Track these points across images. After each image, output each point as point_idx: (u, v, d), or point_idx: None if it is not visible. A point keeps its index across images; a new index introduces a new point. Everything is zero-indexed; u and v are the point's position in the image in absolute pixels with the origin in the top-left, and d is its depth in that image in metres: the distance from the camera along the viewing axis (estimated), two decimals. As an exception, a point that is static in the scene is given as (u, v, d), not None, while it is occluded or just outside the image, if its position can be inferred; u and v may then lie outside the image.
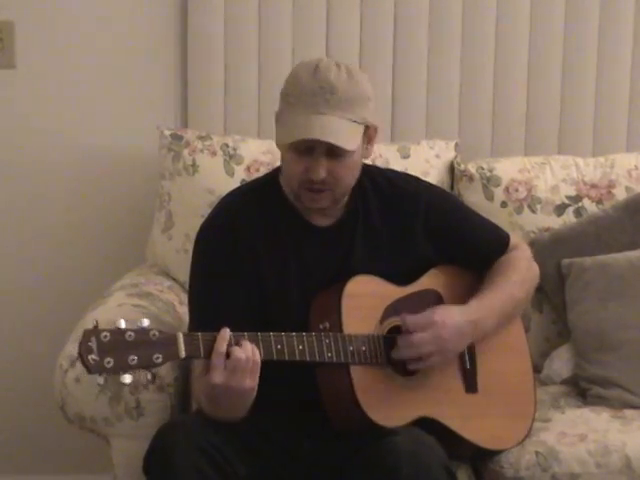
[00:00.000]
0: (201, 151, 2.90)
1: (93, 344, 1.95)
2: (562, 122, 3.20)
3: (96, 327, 1.98)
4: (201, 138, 2.92)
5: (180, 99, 3.18)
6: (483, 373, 2.32)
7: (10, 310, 3.22)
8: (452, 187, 2.95)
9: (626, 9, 3.18)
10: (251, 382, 2.06)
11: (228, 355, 2.04)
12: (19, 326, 3.22)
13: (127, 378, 1.98)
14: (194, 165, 2.89)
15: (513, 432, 2.35)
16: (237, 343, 2.05)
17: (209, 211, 2.38)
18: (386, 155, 2.92)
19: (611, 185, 2.91)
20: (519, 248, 2.48)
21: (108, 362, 1.95)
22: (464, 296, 2.33)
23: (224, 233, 2.27)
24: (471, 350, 2.32)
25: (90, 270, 3.17)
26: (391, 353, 2.21)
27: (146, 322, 2.02)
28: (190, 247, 2.36)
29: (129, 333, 1.98)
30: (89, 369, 1.96)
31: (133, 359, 1.97)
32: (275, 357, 2.10)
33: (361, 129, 2.20)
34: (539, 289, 2.85)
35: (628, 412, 2.55)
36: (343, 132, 2.15)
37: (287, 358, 2.11)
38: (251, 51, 3.14)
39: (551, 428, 2.44)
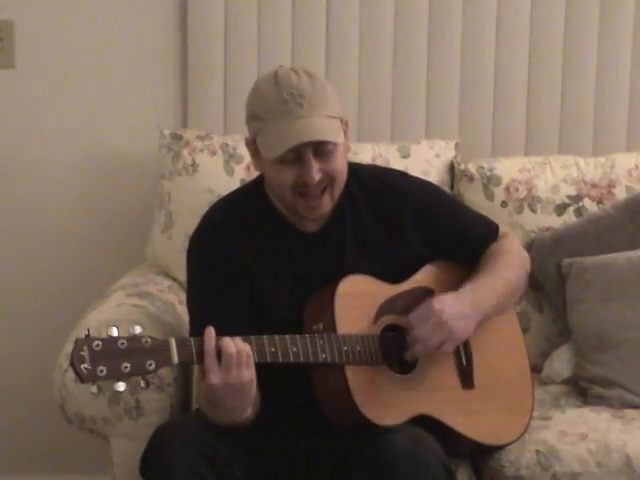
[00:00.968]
0: (201, 151, 2.90)
1: (85, 353, 1.95)
2: (562, 122, 3.20)
3: (88, 336, 1.98)
4: (201, 138, 2.92)
5: (180, 99, 3.18)
6: (479, 369, 2.32)
7: (10, 310, 3.22)
8: (452, 187, 2.95)
9: (626, 9, 3.17)
10: (248, 374, 2.05)
11: (220, 356, 2.04)
12: (19, 326, 3.22)
13: (121, 386, 1.97)
14: (194, 165, 2.89)
15: (511, 427, 2.35)
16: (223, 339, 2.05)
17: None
18: (386, 155, 2.92)
19: (611, 185, 2.91)
20: (508, 237, 2.49)
21: (101, 371, 1.95)
22: None
23: (213, 243, 2.27)
24: (467, 346, 2.32)
25: (90, 270, 3.17)
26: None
27: (138, 329, 2.01)
28: (190, 247, 2.36)
29: (121, 341, 1.98)
30: (82, 378, 1.95)
31: (126, 367, 1.97)
32: (269, 359, 2.09)
33: (339, 123, 2.20)
34: (539, 289, 2.86)
35: (628, 412, 2.55)
36: (327, 128, 2.15)
37: (281, 360, 2.11)
38: (251, 51, 3.14)
39: (551, 427, 2.44)
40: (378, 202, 2.34)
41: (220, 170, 2.88)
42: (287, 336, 2.13)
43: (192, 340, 2.06)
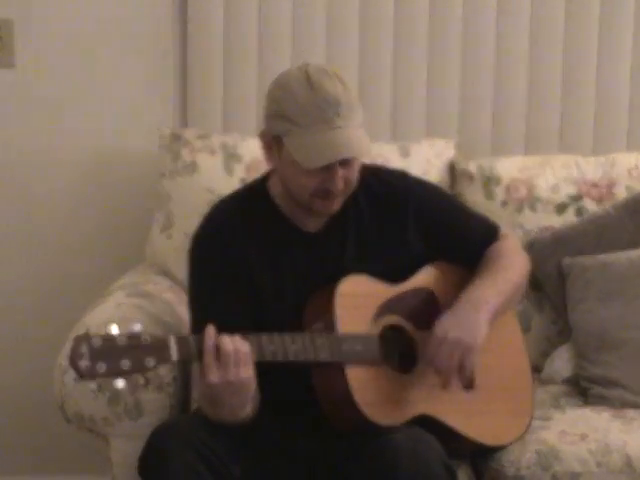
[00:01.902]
0: (200, 150, 2.90)
1: (84, 350, 1.95)
2: (562, 121, 3.19)
3: (87, 333, 1.98)
4: (200, 137, 2.92)
5: (180, 99, 3.18)
6: (480, 370, 2.31)
7: (9, 310, 3.22)
8: (452, 186, 2.94)
9: (626, 9, 3.17)
10: (247, 372, 2.05)
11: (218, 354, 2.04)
12: (19, 325, 3.22)
13: (120, 383, 1.97)
14: (194, 164, 2.89)
15: (512, 428, 2.35)
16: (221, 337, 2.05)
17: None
18: (386, 154, 2.92)
19: (612, 184, 2.91)
20: (508, 238, 2.49)
21: (100, 367, 1.95)
22: (457, 293, 2.32)
23: (215, 242, 2.27)
24: None
25: (90, 270, 3.16)
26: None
27: (138, 326, 2.02)
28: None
29: (121, 338, 1.98)
30: (81, 375, 1.95)
31: (125, 364, 1.97)
32: (269, 358, 2.09)
33: (364, 131, 2.21)
34: (539, 289, 2.85)
35: (629, 412, 2.54)
36: (362, 141, 2.17)
37: (281, 359, 2.11)
38: (251, 51, 3.13)
39: (552, 427, 2.43)
40: (379, 202, 2.34)
41: (220, 170, 2.88)
42: (287, 334, 2.13)
43: (191, 338, 2.06)
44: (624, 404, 2.58)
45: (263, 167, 2.81)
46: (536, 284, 2.83)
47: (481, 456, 2.36)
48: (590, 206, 2.89)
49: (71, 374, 2.30)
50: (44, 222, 3.20)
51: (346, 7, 3.13)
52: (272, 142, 2.22)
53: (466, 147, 3.07)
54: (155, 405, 2.34)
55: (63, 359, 2.34)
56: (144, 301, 2.59)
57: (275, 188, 2.31)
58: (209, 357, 2.03)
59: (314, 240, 2.30)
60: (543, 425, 2.44)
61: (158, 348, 2.01)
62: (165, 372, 2.33)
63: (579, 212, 2.89)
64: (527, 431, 2.37)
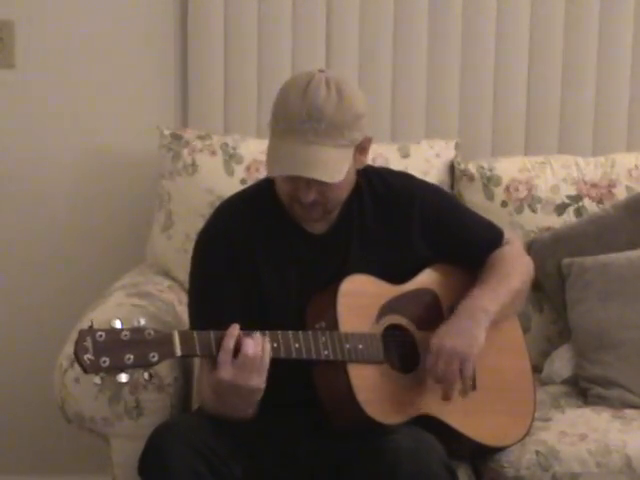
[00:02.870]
0: (201, 151, 2.90)
1: (89, 344, 1.96)
2: (562, 121, 3.19)
3: (91, 327, 1.98)
4: (201, 138, 2.92)
5: (180, 99, 3.18)
6: (481, 370, 2.31)
7: (9, 310, 3.22)
8: (452, 187, 2.95)
9: (626, 9, 3.17)
10: (258, 380, 2.06)
11: (237, 353, 2.05)
12: (19, 326, 3.22)
13: (123, 377, 1.98)
14: (194, 165, 2.89)
15: (513, 429, 2.35)
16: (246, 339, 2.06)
17: (209, 211, 2.39)
18: (386, 155, 2.92)
19: (611, 184, 2.91)
20: (512, 243, 2.49)
21: (104, 361, 1.95)
22: (459, 294, 2.32)
23: (221, 239, 2.27)
24: None
25: (90, 270, 3.17)
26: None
27: (142, 321, 2.02)
28: (190, 246, 2.36)
29: (124, 332, 1.99)
30: (85, 369, 1.96)
31: (129, 358, 1.97)
32: (271, 355, 2.09)
33: (351, 151, 2.18)
34: (539, 289, 2.85)
35: (628, 412, 2.55)
36: (331, 162, 2.13)
37: (283, 356, 2.11)
38: (251, 51, 3.13)
39: (551, 428, 2.43)
40: (385, 205, 2.35)
41: (220, 170, 2.88)
42: (290, 332, 2.13)
43: (195, 334, 2.06)
44: (624, 404, 2.58)
45: (263, 168, 2.83)
46: (536, 284, 2.82)
47: (481, 456, 2.36)
48: (590, 206, 2.89)
49: (71, 374, 2.31)
50: (43, 222, 3.20)
51: (346, 7, 3.13)
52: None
53: (466, 147, 3.07)
54: (155, 405, 2.34)
55: (63, 359, 2.35)
56: (144, 301, 2.59)
57: None
58: (226, 355, 2.04)
59: (319, 241, 2.31)
60: (543, 426, 2.44)
61: (162, 343, 2.01)
62: (166, 372, 2.33)
63: (579, 212, 2.89)
64: (529, 433, 2.37)
